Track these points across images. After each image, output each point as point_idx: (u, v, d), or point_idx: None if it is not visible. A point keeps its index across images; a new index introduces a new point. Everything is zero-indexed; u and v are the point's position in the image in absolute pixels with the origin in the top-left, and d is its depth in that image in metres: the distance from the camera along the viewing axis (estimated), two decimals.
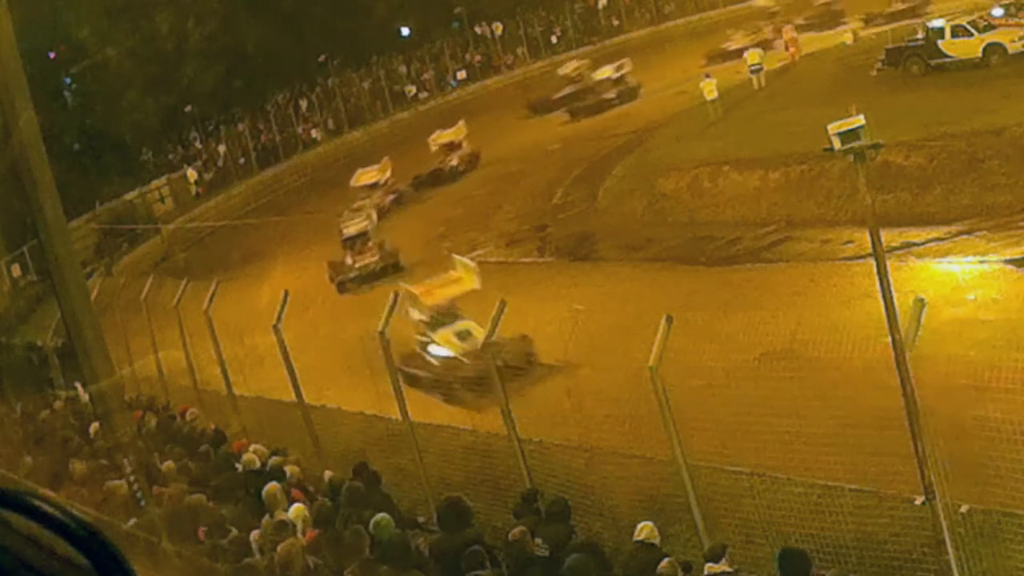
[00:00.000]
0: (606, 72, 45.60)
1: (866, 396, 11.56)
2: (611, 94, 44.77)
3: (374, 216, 30.55)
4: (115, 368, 14.36)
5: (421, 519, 12.61)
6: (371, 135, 53.45)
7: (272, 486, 11.56)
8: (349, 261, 28.65)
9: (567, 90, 46.98)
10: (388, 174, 36.18)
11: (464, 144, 39.59)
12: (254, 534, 10.73)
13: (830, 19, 50.43)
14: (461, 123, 40.07)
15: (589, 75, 46.72)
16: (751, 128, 30.19)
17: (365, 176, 35.91)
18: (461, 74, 59.39)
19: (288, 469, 12.71)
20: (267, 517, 11.01)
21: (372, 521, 10.23)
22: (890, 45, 32.85)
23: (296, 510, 10.88)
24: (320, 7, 55.31)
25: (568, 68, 49.10)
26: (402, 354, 17.16)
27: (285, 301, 15.37)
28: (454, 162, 39.00)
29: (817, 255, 21.79)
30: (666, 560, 9.01)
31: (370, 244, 28.94)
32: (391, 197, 36.15)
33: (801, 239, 23.07)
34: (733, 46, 48.41)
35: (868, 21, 44.46)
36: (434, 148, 39.26)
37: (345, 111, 56.26)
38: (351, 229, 29.09)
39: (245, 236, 36.93)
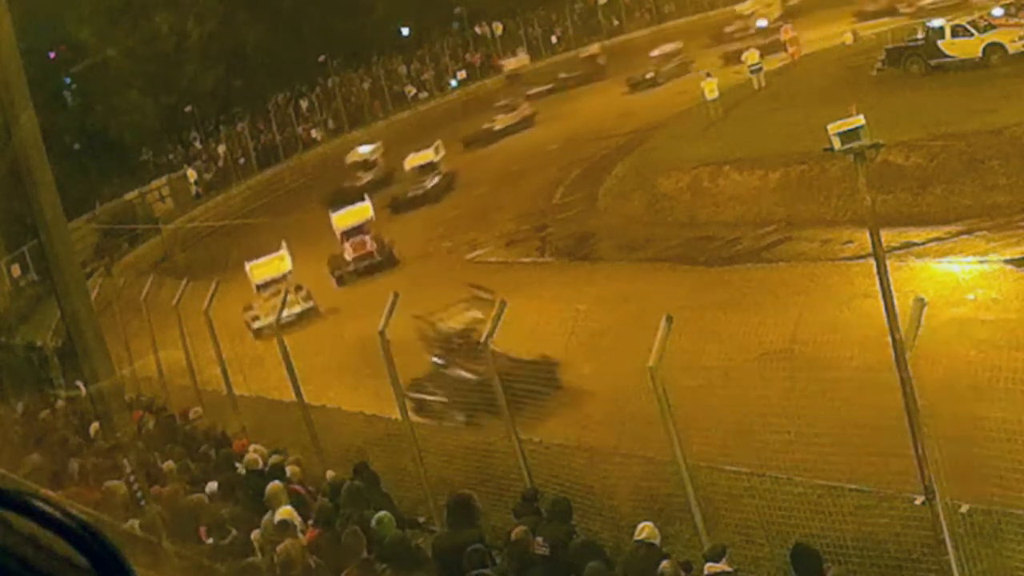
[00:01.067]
0: (425, 156, 37.57)
1: (866, 396, 11.56)
2: (429, 183, 37.32)
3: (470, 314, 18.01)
4: (115, 368, 14.37)
5: (421, 519, 12.62)
6: (371, 135, 53.47)
7: (276, 485, 11.57)
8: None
9: (367, 178, 39.59)
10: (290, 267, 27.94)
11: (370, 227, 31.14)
12: (254, 534, 10.73)
13: (596, 73, 50.02)
14: (368, 202, 32.05)
15: (383, 160, 40.04)
16: (751, 128, 30.20)
17: (262, 269, 27.95)
18: (461, 74, 59.39)
19: (289, 469, 12.71)
20: (268, 516, 11.02)
21: (375, 518, 10.25)
22: (890, 45, 32.87)
23: (284, 512, 10.84)
24: (320, 7, 55.32)
25: (364, 151, 41.94)
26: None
27: (285, 301, 15.39)
28: (386, 240, 30.89)
29: (817, 255, 21.79)
30: (666, 561, 9.00)
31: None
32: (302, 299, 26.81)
33: (801, 239, 23.08)
34: (498, 126, 44.02)
35: (633, 85, 44.22)
36: (338, 232, 30.93)
37: (345, 111, 56.29)
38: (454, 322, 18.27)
39: (245, 236, 36.91)
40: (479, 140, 43.40)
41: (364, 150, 42.06)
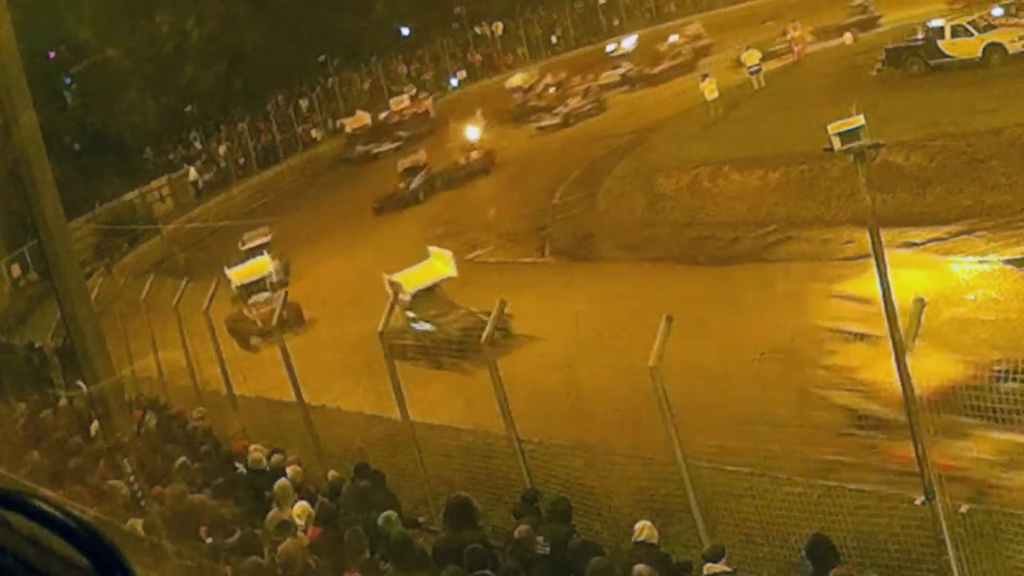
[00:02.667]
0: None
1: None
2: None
3: None
4: (115, 368, 14.37)
5: (421, 520, 12.62)
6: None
7: (282, 483, 11.60)
8: None
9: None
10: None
11: None
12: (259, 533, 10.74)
13: (430, 131, 46.90)
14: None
15: None
16: (751, 128, 30.19)
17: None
18: (461, 74, 59.35)
19: (290, 470, 12.72)
20: (269, 515, 11.03)
21: (382, 516, 10.28)
22: (890, 45, 32.86)
23: (300, 507, 10.91)
24: (320, 7, 55.28)
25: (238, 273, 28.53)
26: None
27: (284, 301, 15.39)
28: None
29: (817, 255, 21.79)
30: (642, 565, 8.91)
31: None
32: None
33: (801, 239, 23.07)
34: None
35: (377, 209, 37.60)
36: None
37: (345, 111, 56.25)
38: None
39: None
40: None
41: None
